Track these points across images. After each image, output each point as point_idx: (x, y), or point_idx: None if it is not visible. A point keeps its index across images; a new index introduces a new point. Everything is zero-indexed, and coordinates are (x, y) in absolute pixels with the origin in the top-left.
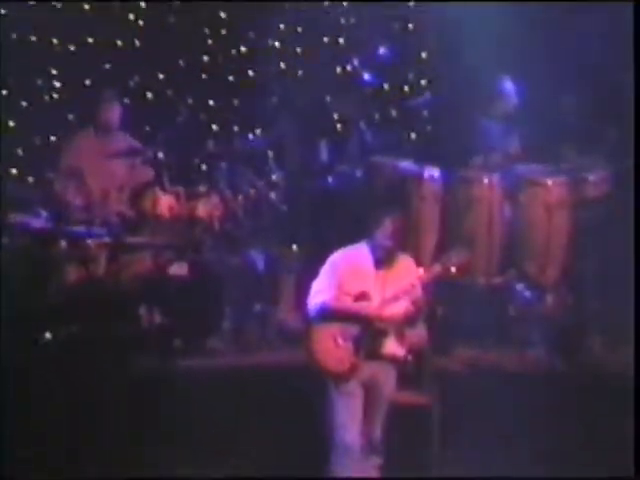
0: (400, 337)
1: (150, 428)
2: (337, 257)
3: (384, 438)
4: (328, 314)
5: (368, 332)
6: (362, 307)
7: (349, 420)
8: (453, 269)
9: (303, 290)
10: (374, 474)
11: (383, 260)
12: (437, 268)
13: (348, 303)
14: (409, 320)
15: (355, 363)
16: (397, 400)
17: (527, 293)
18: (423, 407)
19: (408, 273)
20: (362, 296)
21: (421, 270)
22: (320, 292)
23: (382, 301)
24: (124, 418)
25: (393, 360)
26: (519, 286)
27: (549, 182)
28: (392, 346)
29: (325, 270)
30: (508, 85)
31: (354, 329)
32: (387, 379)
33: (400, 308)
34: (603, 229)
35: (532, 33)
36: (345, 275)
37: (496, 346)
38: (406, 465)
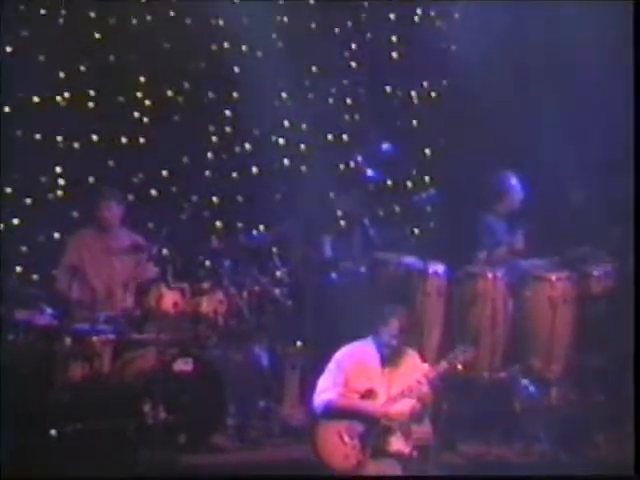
0: (406, 434)
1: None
2: (343, 354)
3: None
4: (334, 411)
5: (374, 430)
6: (368, 405)
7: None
8: (459, 366)
9: (307, 386)
10: None
11: (389, 358)
12: (444, 365)
13: (354, 401)
14: (415, 417)
15: (361, 461)
16: None
17: (532, 388)
18: None
19: (414, 370)
20: (368, 393)
21: (427, 366)
22: (326, 390)
23: (388, 398)
24: None
25: (399, 457)
26: (524, 381)
27: (553, 277)
28: (398, 443)
29: (331, 367)
30: (513, 182)
31: (360, 427)
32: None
33: (406, 405)
34: (606, 323)
35: (536, 132)
36: (351, 372)
37: (501, 441)
38: None
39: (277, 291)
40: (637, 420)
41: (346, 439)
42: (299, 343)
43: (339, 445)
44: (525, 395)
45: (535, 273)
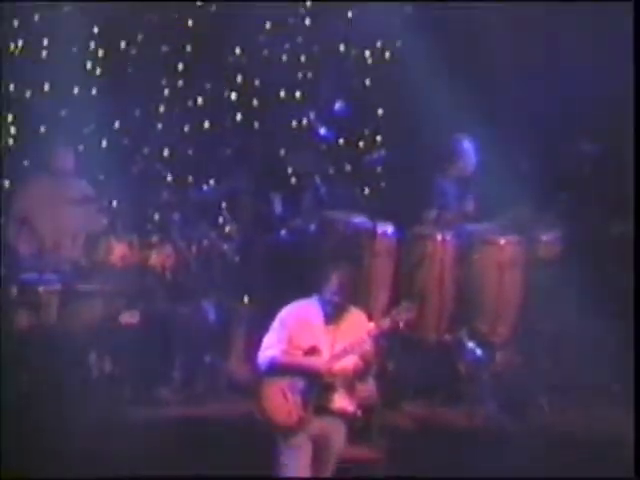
0: (350, 392)
1: (98, 478)
2: (287, 312)
3: None
4: (278, 368)
5: (317, 386)
6: (312, 361)
7: (296, 473)
8: (402, 324)
9: (253, 342)
10: None
11: (333, 315)
12: (386, 322)
13: (298, 357)
14: (359, 375)
15: (303, 417)
16: (345, 455)
17: (478, 351)
18: (371, 462)
19: (358, 328)
20: (312, 350)
21: (371, 324)
22: (270, 347)
23: (332, 356)
24: (72, 467)
25: (342, 415)
26: (470, 344)
27: (502, 241)
28: (341, 401)
29: (275, 325)
30: (467, 146)
31: (302, 383)
32: (336, 434)
33: (350, 362)
34: (554, 289)
35: (490, 95)
36: (295, 329)
37: (446, 403)
38: None
39: (226, 246)
40: (637, 420)
41: (288, 395)
42: (246, 299)
43: (282, 402)
44: (471, 358)
45: (484, 237)
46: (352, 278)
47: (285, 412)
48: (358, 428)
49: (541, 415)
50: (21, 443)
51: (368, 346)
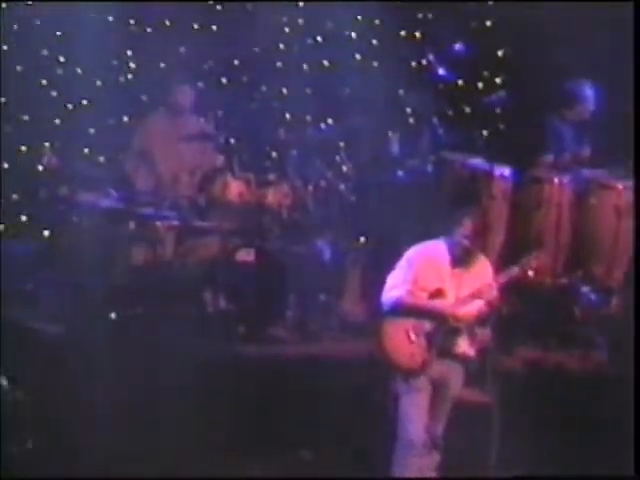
0: (471, 337)
1: (209, 414)
2: (414, 252)
3: (446, 435)
4: (402, 309)
5: (442, 330)
6: (437, 304)
7: (416, 415)
8: (530, 272)
9: (368, 282)
10: (432, 471)
11: (460, 259)
12: (515, 270)
13: (423, 300)
14: (481, 320)
15: (427, 360)
16: (460, 398)
17: (593, 295)
18: (485, 406)
19: (483, 273)
20: (437, 293)
21: (495, 270)
22: (395, 286)
23: (457, 299)
24: (185, 402)
25: (464, 359)
26: (585, 288)
27: (620, 186)
28: (464, 345)
29: (401, 264)
30: (588, 91)
31: (428, 326)
32: (456, 377)
33: (474, 308)
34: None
35: (609, 38)
36: (421, 271)
37: (560, 347)
38: (466, 463)
39: (342, 186)
40: (637, 420)
41: (413, 337)
42: (362, 239)
43: (405, 343)
44: (586, 302)
45: (602, 181)
46: (482, 224)
47: (408, 353)
48: (472, 371)
49: None
50: (131, 372)
51: (493, 292)
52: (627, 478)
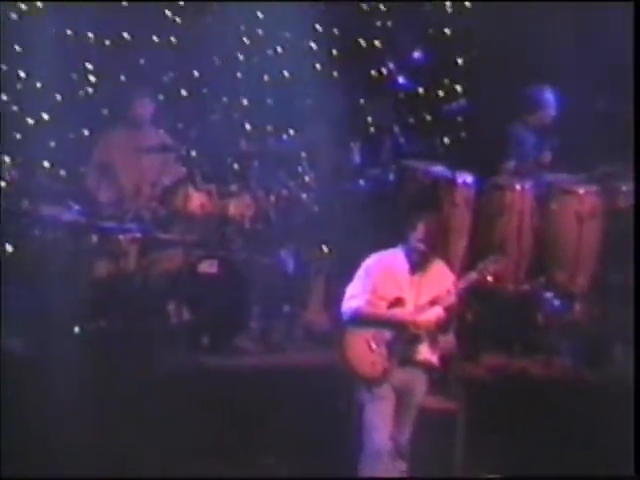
0: (433, 343)
1: (173, 424)
2: (372, 261)
3: (411, 442)
4: (362, 319)
5: (402, 338)
6: (396, 312)
7: (380, 423)
8: (489, 277)
9: (332, 292)
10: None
11: (418, 265)
12: (473, 275)
13: (382, 308)
14: (442, 327)
15: (388, 368)
16: (424, 405)
17: (556, 301)
18: (449, 412)
19: (442, 279)
20: (397, 301)
21: (455, 276)
22: (354, 296)
23: (416, 307)
24: (149, 413)
25: (426, 366)
26: (548, 294)
27: (581, 191)
28: (425, 352)
29: (360, 274)
30: (548, 96)
31: (388, 334)
32: (419, 384)
33: (434, 314)
34: (634, 239)
35: (568, 43)
36: (380, 280)
37: (523, 353)
38: (431, 470)
39: (305, 196)
40: (637, 419)
41: (373, 346)
42: (325, 248)
43: (366, 352)
44: (549, 308)
45: (563, 186)
46: (437, 227)
47: (369, 362)
48: (436, 378)
49: (617, 365)
50: (95, 385)
51: (453, 298)
52: (627, 478)
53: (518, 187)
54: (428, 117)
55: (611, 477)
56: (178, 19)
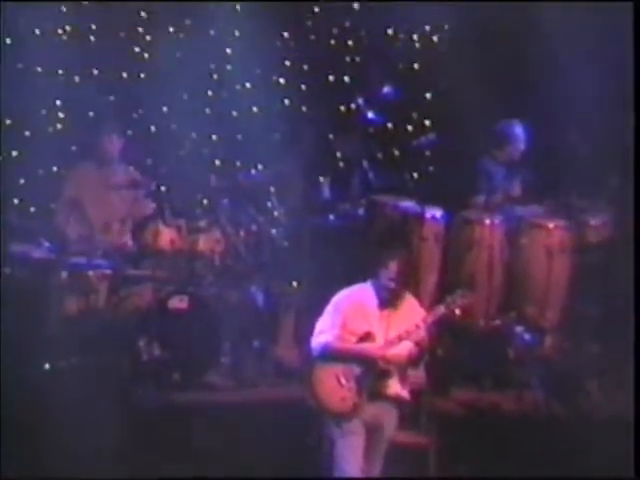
0: (403, 378)
1: (146, 460)
2: (341, 297)
3: (381, 477)
4: (332, 354)
5: (372, 372)
6: (366, 347)
7: (351, 458)
8: (457, 311)
9: (302, 327)
10: None
11: (388, 301)
12: (441, 310)
13: (352, 343)
14: (412, 361)
15: (358, 403)
16: (395, 439)
17: (526, 336)
18: (420, 447)
19: (412, 314)
20: (366, 336)
21: (425, 311)
22: (324, 332)
23: (386, 342)
24: (121, 450)
25: (396, 401)
26: (518, 328)
27: (550, 225)
28: (395, 387)
29: (329, 310)
30: (517, 130)
31: (357, 369)
32: (389, 419)
33: (404, 349)
34: (603, 273)
35: (536, 77)
36: (349, 315)
37: (494, 388)
38: None
39: (274, 231)
40: (637, 420)
41: (343, 381)
42: (295, 283)
43: (336, 387)
44: (519, 343)
45: (532, 220)
46: (408, 264)
47: (339, 398)
48: (407, 413)
49: (589, 400)
50: (66, 422)
51: (422, 332)
52: (627, 478)
53: (487, 221)
54: (397, 152)
55: (611, 477)
56: (146, 55)
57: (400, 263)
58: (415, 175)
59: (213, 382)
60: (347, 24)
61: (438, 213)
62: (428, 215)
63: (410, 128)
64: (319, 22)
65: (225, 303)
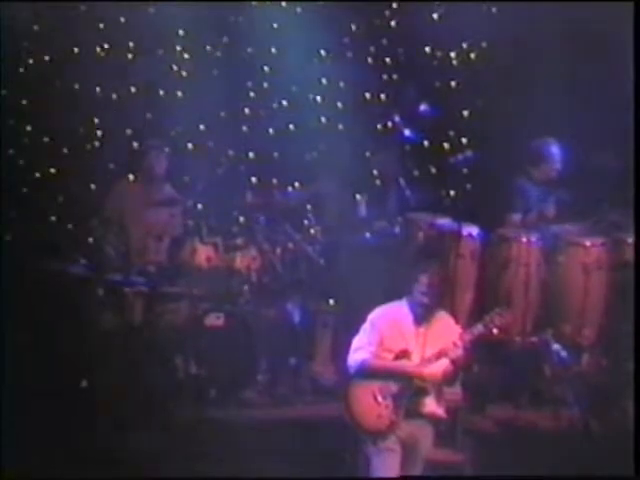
0: (439, 395)
1: (183, 475)
2: (377, 314)
3: None
4: (368, 371)
5: (408, 390)
6: (402, 365)
7: (386, 476)
8: (495, 330)
9: (338, 344)
10: None
11: (422, 317)
12: (479, 329)
13: (388, 361)
14: (448, 379)
15: (394, 420)
16: (431, 457)
17: (563, 353)
18: (456, 465)
19: (448, 331)
20: (403, 354)
21: (461, 329)
22: (360, 349)
23: (422, 359)
24: (158, 466)
25: (432, 418)
26: (555, 346)
27: (587, 243)
28: (431, 404)
29: (365, 327)
30: (554, 149)
31: (394, 387)
32: (425, 437)
33: (440, 367)
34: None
35: (572, 95)
36: (386, 332)
37: (530, 405)
38: None
39: (310, 249)
40: (637, 420)
41: (379, 399)
42: (331, 301)
43: (372, 405)
44: (556, 360)
45: (569, 239)
46: (440, 279)
47: (375, 415)
48: (443, 431)
49: (626, 417)
50: (108, 428)
51: (459, 351)
52: (627, 478)
53: (524, 239)
54: (434, 169)
55: (611, 477)
56: (184, 72)
57: (431, 276)
58: (451, 193)
59: (249, 399)
60: (384, 42)
61: (474, 231)
62: (464, 232)
63: (446, 146)
64: (356, 40)
65: (261, 320)
